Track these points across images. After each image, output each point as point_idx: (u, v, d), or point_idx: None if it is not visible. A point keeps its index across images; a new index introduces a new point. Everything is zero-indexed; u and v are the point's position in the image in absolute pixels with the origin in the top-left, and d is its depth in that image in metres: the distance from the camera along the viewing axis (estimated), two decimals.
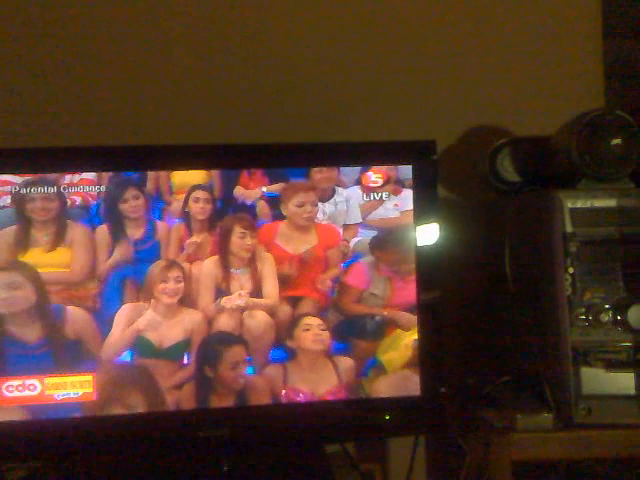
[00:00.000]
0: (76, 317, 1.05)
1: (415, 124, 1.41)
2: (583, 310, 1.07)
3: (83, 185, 1.03)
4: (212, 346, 1.07)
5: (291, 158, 1.15)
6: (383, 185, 1.16)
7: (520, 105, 1.44)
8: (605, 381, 1.06)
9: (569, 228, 1.08)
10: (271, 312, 1.06)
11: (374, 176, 1.16)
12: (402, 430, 1.19)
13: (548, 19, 1.46)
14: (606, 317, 1.05)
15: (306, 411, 1.13)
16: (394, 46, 1.43)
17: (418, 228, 1.15)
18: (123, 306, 1.06)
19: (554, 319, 1.08)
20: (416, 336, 1.12)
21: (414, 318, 1.12)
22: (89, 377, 1.09)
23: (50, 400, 1.08)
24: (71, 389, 1.09)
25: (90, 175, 1.04)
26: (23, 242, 1.03)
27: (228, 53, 1.40)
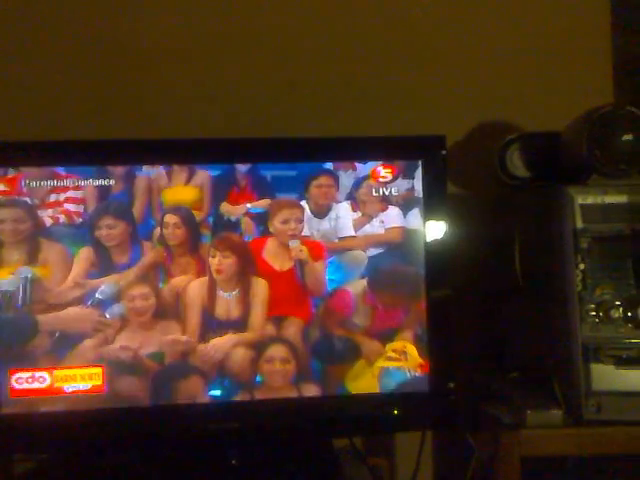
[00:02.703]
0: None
1: (424, 119, 1.41)
2: (593, 306, 1.06)
3: (68, 204, 1.01)
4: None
5: (298, 152, 1.15)
6: (393, 180, 1.16)
7: (529, 100, 1.43)
8: (615, 378, 1.06)
9: (580, 224, 1.08)
10: (252, 345, 1.02)
11: (384, 171, 1.16)
12: (410, 425, 1.19)
13: (557, 14, 1.45)
14: (616, 313, 1.05)
15: (315, 405, 1.14)
16: (403, 41, 1.42)
17: (427, 223, 1.15)
18: None
19: (564, 315, 1.07)
20: (383, 364, 1.10)
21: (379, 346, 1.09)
22: (99, 370, 1.09)
23: (60, 392, 1.09)
24: (80, 382, 1.09)
25: (77, 194, 1.02)
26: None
27: (235, 47, 1.39)
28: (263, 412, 1.12)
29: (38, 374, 1.08)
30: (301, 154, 1.13)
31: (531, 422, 1.06)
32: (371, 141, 1.19)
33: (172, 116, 1.35)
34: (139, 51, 1.37)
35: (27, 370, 1.08)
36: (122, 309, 1.02)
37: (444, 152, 1.17)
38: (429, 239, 1.15)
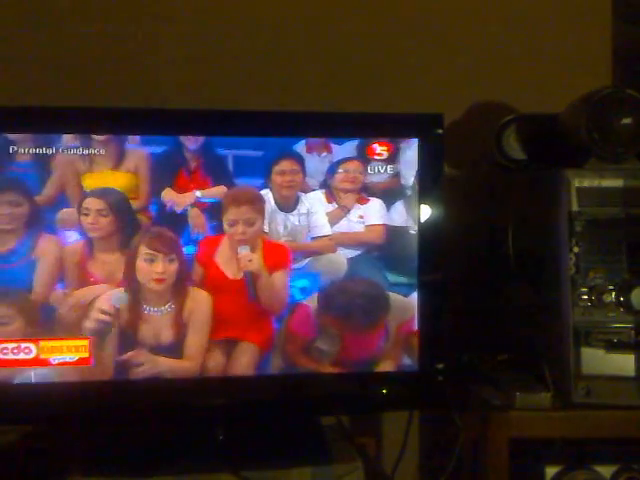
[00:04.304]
0: None
1: (420, 99, 1.39)
2: (586, 290, 1.06)
3: None
4: None
5: (292, 127, 1.10)
6: (387, 158, 1.14)
7: (527, 82, 1.42)
8: (605, 362, 1.06)
9: (575, 207, 1.07)
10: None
11: (379, 148, 1.14)
12: (398, 405, 1.19)
13: None
14: (609, 298, 1.05)
15: (303, 383, 1.13)
16: (401, 19, 1.40)
17: (422, 205, 1.14)
18: None
19: (556, 298, 1.07)
20: None
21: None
22: (85, 342, 1.08)
23: (45, 364, 1.07)
24: (67, 353, 1.07)
25: None
26: None
27: (228, 18, 1.36)
28: (250, 388, 1.12)
29: (24, 345, 1.07)
30: (290, 129, 1.07)
31: (520, 404, 1.06)
32: (365, 118, 1.17)
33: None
34: None
35: (13, 341, 1.06)
36: None
37: (441, 131, 1.15)
38: (423, 221, 1.13)
